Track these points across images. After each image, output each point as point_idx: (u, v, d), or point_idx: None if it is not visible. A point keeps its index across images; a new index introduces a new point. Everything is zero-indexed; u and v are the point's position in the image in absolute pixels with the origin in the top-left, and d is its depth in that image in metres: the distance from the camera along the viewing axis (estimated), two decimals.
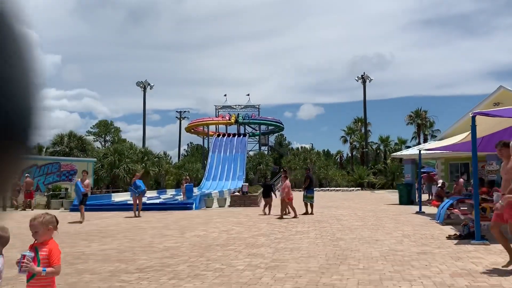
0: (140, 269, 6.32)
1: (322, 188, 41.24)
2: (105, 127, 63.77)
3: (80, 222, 13.35)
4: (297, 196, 16.94)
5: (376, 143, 52.63)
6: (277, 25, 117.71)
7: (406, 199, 20.36)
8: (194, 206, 18.71)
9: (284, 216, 13.92)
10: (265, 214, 15.17)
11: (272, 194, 15.96)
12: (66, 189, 24.38)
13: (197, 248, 8.19)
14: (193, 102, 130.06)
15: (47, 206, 20.78)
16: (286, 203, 14.01)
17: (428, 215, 14.23)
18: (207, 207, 19.52)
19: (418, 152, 16.86)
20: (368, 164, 47.08)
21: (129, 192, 16.87)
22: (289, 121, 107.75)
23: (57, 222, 3.50)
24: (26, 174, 21.58)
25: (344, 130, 53.13)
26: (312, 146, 57.38)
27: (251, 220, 13.33)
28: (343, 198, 26.75)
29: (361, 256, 7.08)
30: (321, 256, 7.12)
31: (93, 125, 66.13)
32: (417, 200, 21.62)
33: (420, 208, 15.69)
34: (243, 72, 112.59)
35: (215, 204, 20.31)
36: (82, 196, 13.88)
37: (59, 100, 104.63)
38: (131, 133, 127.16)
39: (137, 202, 15.20)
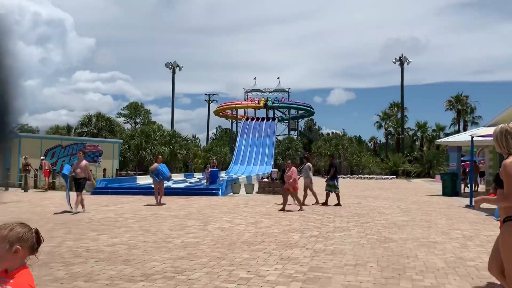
0: (147, 275, 5.11)
1: (354, 176, 39.50)
2: (135, 109, 63.68)
3: (70, 212, 11.32)
4: (319, 184, 15.23)
5: (413, 129, 50.16)
6: (308, 8, 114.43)
7: (451, 190, 18.52)
8: (220, 192, 17.59)
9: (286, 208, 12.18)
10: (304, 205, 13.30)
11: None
12: (90, 170, 23.64)
13: (219, 246, 6.94)
14: (223, 86, 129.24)
15: None
16: (291, 192, 12.34)
17: (482, 209, 12.54)
18: (233, 193, 18.37)
19: (470, 138, 15.03)
20: (403, 151, 44.82)
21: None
22: (319, 106, 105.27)
23: (39, 241, 2.02)
24: (42, 157, 21.02)
25: (379, 115, 50.73)
26: (344, 131, 55.30)
27: (281, 211, 12.01)
28: (378, 187, 25.05)
29: (422, 266, 5.65)
30: (371, 264, 5.73)
31: (123, 107, 66.22)
32: (463, 191, 19.84)
33: (471, 202, 13.99)
34: (273, 56, 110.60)
35: (242, 190, 19.12)
36: (75, 180, 12.12)
37: (93, 83, 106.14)
38: (162, 116, 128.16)
39: (159, 188, 14.03)
